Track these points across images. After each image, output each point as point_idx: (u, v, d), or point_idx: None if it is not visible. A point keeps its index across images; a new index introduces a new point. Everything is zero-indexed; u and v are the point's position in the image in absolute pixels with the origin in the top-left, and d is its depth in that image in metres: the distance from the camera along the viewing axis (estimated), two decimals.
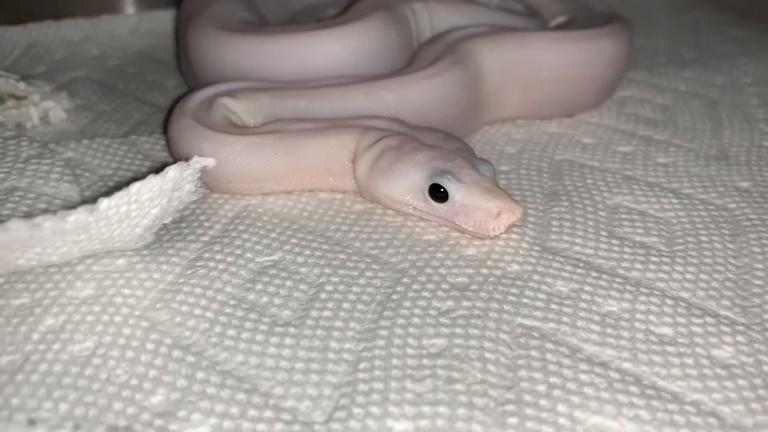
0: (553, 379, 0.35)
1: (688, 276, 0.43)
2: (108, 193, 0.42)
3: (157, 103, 0.66)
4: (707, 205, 0.51)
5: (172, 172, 0.39)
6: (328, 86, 0.54)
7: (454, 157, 0.47)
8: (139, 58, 0.77)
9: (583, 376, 0.36)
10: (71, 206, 0.47)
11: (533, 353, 0.37)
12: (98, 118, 0.63)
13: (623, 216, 0.49)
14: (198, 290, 0.41)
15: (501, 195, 0.45)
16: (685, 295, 0.42)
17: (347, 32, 0.56)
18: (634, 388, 0.35)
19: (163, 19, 0.81)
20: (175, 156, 0.52)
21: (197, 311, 0.40)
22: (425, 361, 0.36)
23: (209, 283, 0.42)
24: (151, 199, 0.40)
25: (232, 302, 0.41)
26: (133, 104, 0.66)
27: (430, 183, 0.46)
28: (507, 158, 0.57)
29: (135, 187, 0.39)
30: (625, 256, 0.45)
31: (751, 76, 0.73)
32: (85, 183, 0.52)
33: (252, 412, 0.34)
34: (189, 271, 0.43)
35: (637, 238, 0.47)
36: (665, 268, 0.44)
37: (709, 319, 0.40)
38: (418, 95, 0.54)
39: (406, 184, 0.47)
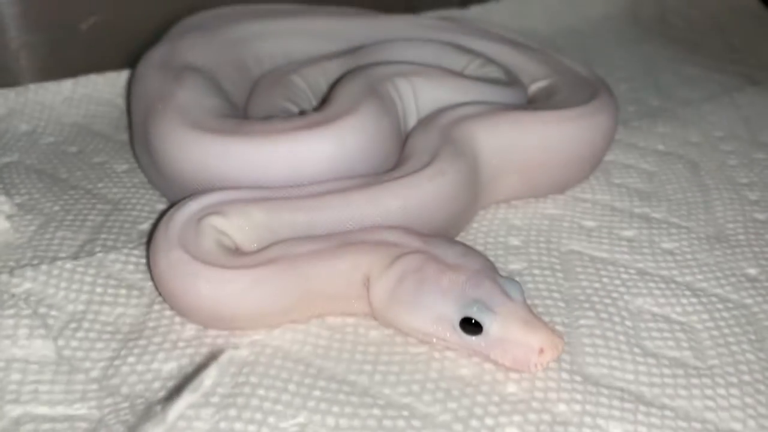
0: None
1: (734, 402, 0.42)
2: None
3: (110, 197, 0.59)
4: (726, 303, 0.50)
5: (209, 381, 0.33)
6: (325, 194, 0.49)
7: (482, 281, 0.43)
8: (78, 133, 0.68)
9: None
10: (51, 371, 0.40)
11: None
12: (47, 223, 0.55)
13: (650, 325, 0.48)
14: None
15: (541, 328, 0.42)
16: (737, 427, 0.41)
17: (340, 129, 0.51)
18: None
19: (100, 84, 0.72)
20: (164, 292, 0.46)
21: None
22: None
23: None
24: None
25: None
26: (84, 200, 0.58)
27: (461, 315, 0.42)
28: (514, 253, 0.54)
29: (172, 414, 0.33)
30: (666, 380, 0.43)
31: (720, 129, 0.73)
32: (56, 328, 0.44)
33: None
34: None
35: (671, 354, 0.45)
36: (708, 392, 0.43)
37: None
38: (424, 198, 0.50)
39: (432, 315, 0.43)
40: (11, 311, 0.43)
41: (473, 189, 0.54)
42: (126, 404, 0.39)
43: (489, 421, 0.40)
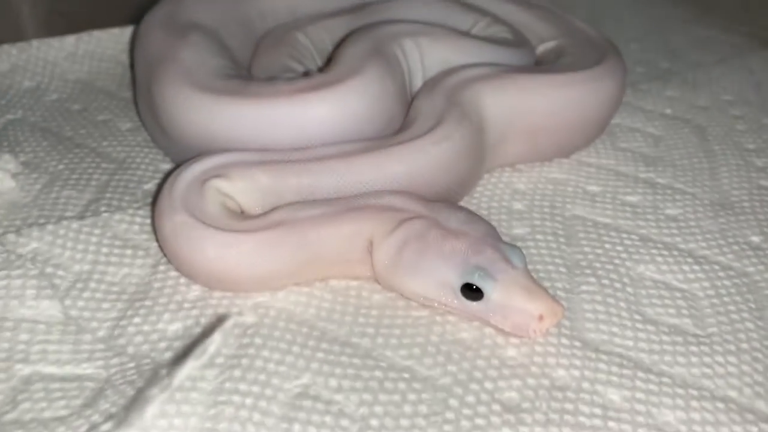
0: None
1: (731, 369, 0.43)
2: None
3: (115, 156, 0.59)
4: (727, 271, 0.50)
5: (213, 347, 0.34)
6: (330, 158, 0.49)
7: (484, 248, 0.43)
8: (82, 90, 0.67)
9: None
10: (59, 331, 0.41)
11: None
12: (52, 182, 0.55)
13: (651, 291, 0.48)
14: (235, 427, 0.37)
15: (541, 295, 0.42)
16: (732, 394, 0.41)
17: (344, 91, 0.51)
18: None
19: (103, 40, 0.71)
20: (169, 255, 0.46)
21: None
22: None
23: (241, 427, 0.38)
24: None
25: None
26: (89, 159, 0.58)
27: (462, 282, 0.42)
28: (518, 218, 0.54)
29: (177, 379, 0.33)
30: (665, 347, 0.44)
31: (730, 93, 0.72)
32: (63, 288, 0.45)
33: None
34: (213, 411, 0.38)
35: (671, 321, 0.46)
36: (706, 360, 0.43)
37: (764, 426, 0.39)
38: (428, 163, 0.50)
39: (434, 281, 0.43)
40: (19, 272, 0.43)
41: (478, 153, 0.54)
42: (132, 364, 0.40)
43: (488, 385, 0.41)
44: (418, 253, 0.44)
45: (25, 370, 0.38)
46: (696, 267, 0.50)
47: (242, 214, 0.47)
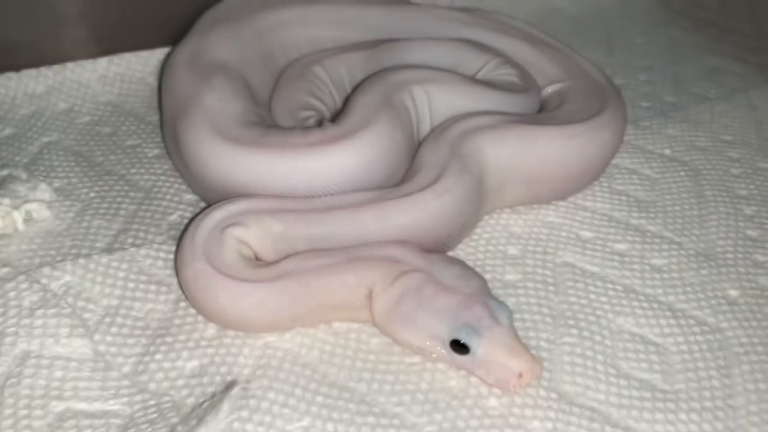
0: None
1: (692, 428, 0.47)
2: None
3: (142, 185, 0.63)
4: (702, 326, 0.54)
5: (222, 414, 0.39)
6: (338, 209, 0.53)
7: (473, 305, 0.48)
8: (112, 113, 0.72)
9: None
10: (89, 368, 0.46)
11: None
12: (84, 210, 0.60)
13: (627, 345, 0.52)
14: None
15: (522, 353, 0.46)
16: None
17: (355, 144, 0.54)
18: None
19: (133, 62, 0.75)
20: (188, 298, 0.51)
21: None
22: None
23: None
24: None
25: None
26: (117, 187, 0.63)
27: (452, 337, 0.47)
28: (511, 263, 0.58)
29: None
30: (634, 402, 0.48)
31: (730, 132, 0.75)
32: (92, 323, 0.50)
33: None
34: None
35: (642, 375, 0.50)
36: (670, 416, 0.47)
37: None
38: (430, 215, 0.54)
39: (427, 334, 0.48)
40: (53, 310, 0.48)
41: (478, 202, 0.58)
42: (153, 402, 0.45)
43: None
44: (413, 307, 0.48)
45: (60, 406, 0.44)
46: (672, 321, 0.54)
47: (256, 261, 0.52)
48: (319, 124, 0.58)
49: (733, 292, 0.57)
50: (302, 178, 0.54)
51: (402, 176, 0.58)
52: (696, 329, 0.54)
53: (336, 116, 0.61)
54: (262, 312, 0.49)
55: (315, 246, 0.52)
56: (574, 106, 0.65)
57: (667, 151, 0.72)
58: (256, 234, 0.52)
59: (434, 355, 0.49)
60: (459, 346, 0.47)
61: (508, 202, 0.62)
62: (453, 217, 0.55)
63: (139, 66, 0.75)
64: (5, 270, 0.51)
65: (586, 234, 0.61)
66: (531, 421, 0.46)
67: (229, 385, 0.44)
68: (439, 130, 0.60)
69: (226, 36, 0.66)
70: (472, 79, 0.65)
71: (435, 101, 0.62)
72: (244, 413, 0.45)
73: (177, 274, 0.52)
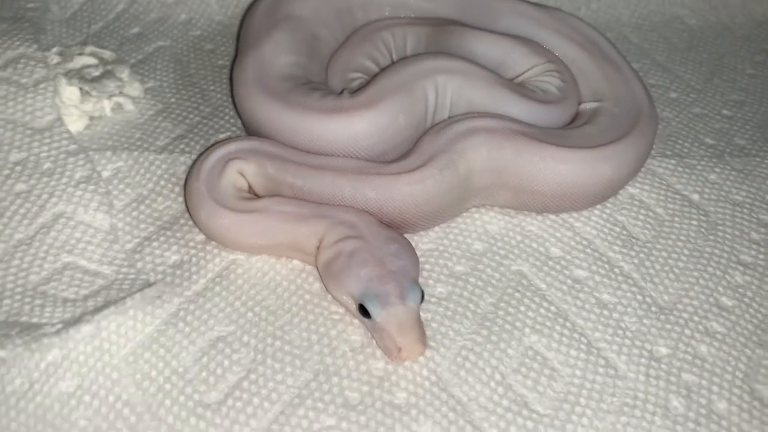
0: None
1: None
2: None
3: (212, 102, 0.76)
4: (608, 369, 0.57)
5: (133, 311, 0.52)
6: (323, 170, 0.62)
7: (389, 281, 0.56)
8: (219, 33, 0.85)
9: None
10: (101, 237, 0.61)
11: None
12: (161, 111, 0.75)
13: (526, 360, 0.57)
14: (162, 351, 0.55)
15: (408, 333, 0.54)
16: None
17: (355, 120, 0.62)
18: None
19: None
20: (188, 208, 0.64)
21: (153, 374, 0.54)
22: None
23: (171, 345, 0.56)
24: None
25: (180, 370, 0.55)
26: (194, 98, 0.76)
27: (360, 302, 0.56)
28: (468, 257, 0.64)
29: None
30: (498, 410, 0.54)
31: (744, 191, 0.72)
32: (119, 207, 0.64)
33: None
34: (163, 327, 0.57)
35: (521, 390, 0.55)
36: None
37: None
38: (399, 198, 0.61)
39: (345, 292, 0.57)
40: (93, 187, 0.63)
41: (456, 197, 0.63)
42: (132, 275, 0.59)
43: (345, 382, 0.54)
44: (341, 268, 0.57)
45: (67, 258, 0.59)
46: (583, 355, 0.57)
47: (247, 192, 0.63)
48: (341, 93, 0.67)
49: (664, 350, 0.59)
50: (306, 138, 0.64)
51: (402, 152, 0.66)
52: (601, 369, 0.57)
53: None
54: (229, 234, 0.60)
55: (296, 194, 0.62)
56: (594, 129, 0.67)
57: (696, 197, 0.71)
58: (253, 170, 0.63)
59: (349, 310, 0.58)
60: (364, 311, 0.55)
61: (498, 203, 0.67)
62: (420, 206, 0.62)
63: None
64: (73, 147, 0.67)
65: (555, 252, 0.65)
66: (400, 392, 0.54)
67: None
68: (446, 122, 0.66)
69: None
70: (504, 81, 0.69)
71: (456, 94, 0.67)
72: (191, 307, 0.58)
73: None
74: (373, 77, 0.68)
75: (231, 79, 0.72)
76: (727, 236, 0.67)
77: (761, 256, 0.66)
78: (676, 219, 0.68)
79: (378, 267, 0.56)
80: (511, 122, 0.65)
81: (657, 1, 0.91)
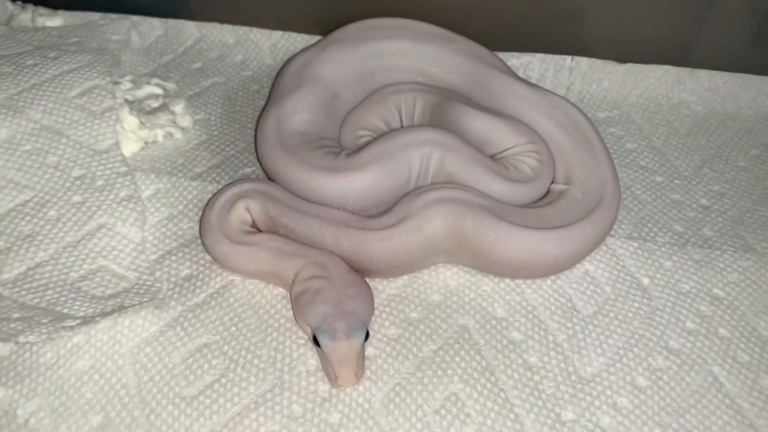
0: None
1: None
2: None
3: (247, 138, 0.90)
4: (515, 424, 0.67)
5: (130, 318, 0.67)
6: (312, 217, 0.74)
7: (340, 320, 0.67)
8: (265, 75, 0.99)
9: None
10: (132, 247, 0.77)
11: None
12: (204, 142, 0.89)
13: (448, 405, 0.67)
14: (159, 348, 0.70)
15: (347, 366, 0.66)
16: None
17: (344, 181, 0.75)
18: None
19: (299, 42, 1.00)
20: (200, 233, 0.78)
21: (149, 365, 0.69)
22: None
23: (167, 345, 0.70)
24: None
25: (169, 365, 0.69)
26: (234, 132, 0.90)
27: (314, 333, 0.68)
28: (423, 306, 0.74)
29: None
30: None
31: (729, 290, 0.78)
32: (151, 223, 0.80)
33: None
34: (164, 329, 0.71)
35: (436, 430, 0.66)
36: None
37: None
38: (368, 251, 0.73)
39: (305, 322, 0.69)
40: (133, 205, 0.79)
41: (420, 255, 0.74)
42: (150, 282, 0.74)
43: (293, 397, 0.67)
44: (306, 301, 0.70)
45: (101, 261, 0.75)
46: (496, 407, 0.68)
47: (250, 228, 0.77)
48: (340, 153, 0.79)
49: (570, 415, 0.67)
50: (304, 188, 0.77)
51: (384, 209, 0.77)
52: (509, 423, 0.66)
53: None
54: (226, 259, 0.75)
55: (288, 234, 0.75)
56: (552, 211, 0.76)
57: (646, 281, 0.78)
58: (258, 209, 0.77)
59: (308, 337, 0.70)
60: (317, 341, 0.68)
61: (461, 263, 0.77)
62: (387, 259, 0.73)
63: (300, 45, 1.00)
64: (124, 168, 0.82)
65: (501, 312, 0.75)
66: (336, 413, 0.67)
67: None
68: (424, 188, 0.77)
69: (336, 54, 0.87)
70: (482, 158, 0.78)
71: (438, 165, 0.78)
72: (189, 316, 0.73)
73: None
74: (370, 142, 0.80)
75: (256, 125, 0.86)
76: (663, 322, 0.75)
77: (689, 345, 0.73)
78: (620, 299, 0.76)
79: (334, 306, 0.69)
80: (479, 196, 0.75)
81: (667, 85, 0.97)
